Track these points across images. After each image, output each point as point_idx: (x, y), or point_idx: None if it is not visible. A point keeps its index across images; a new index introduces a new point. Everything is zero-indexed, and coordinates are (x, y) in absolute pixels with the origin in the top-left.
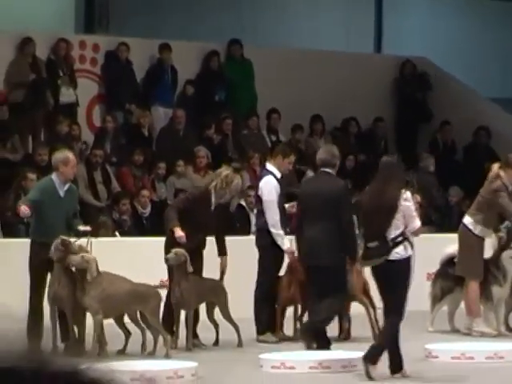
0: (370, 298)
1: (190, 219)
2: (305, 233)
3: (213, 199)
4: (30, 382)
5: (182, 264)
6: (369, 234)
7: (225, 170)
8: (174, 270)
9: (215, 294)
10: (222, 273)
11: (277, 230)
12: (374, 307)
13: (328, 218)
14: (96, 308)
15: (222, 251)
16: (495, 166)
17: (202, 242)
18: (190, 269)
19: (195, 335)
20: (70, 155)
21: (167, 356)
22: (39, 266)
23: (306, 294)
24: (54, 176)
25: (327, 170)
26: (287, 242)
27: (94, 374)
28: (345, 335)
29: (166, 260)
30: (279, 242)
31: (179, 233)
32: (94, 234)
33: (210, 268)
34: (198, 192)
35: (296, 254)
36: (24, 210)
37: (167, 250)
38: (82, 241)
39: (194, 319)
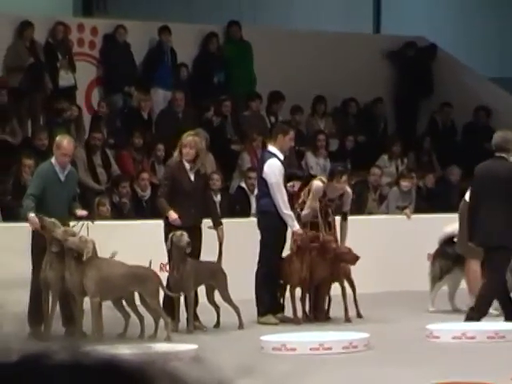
0: (351, 281)
1: (176, 198)
2: (481, 215)
3: (187, 167)
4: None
5: (182, 246)
6: None
7: (183, 137)
8: (173, 252)
9: (214, 276)
10: (220, 246)
11: (287, 211)
12: (354, 289)
13: (505, 201)
14: (93, 290)
15: (215, 221)
16: None
17: (198, 219)
18: (189, 249)
19: (196, 317)
20: (64, 140)
21: (168, 339)
22: (41, 251)
23: (314, 277)
24: (53, 160)
25: (502, 154)
26: (297, 224)
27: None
28: (324, 316)
29: (179, 241)
30: (289, 224)
31: (173, 216)
32: (92, 217)
33: (209, 251)
34: (170, 168)
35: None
36: (34, 222)
37: (167, 236)
38: (79, 224)
39: (193, 302)
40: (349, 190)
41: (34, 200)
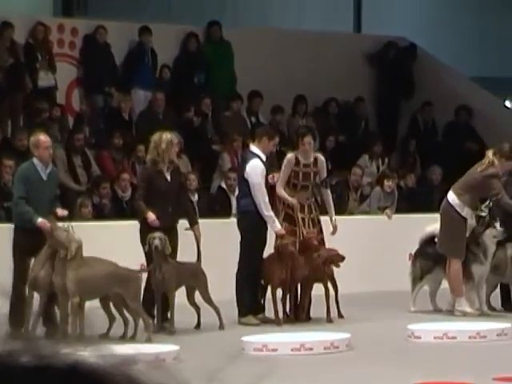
0: (334, 281)
1: (152, 198)
2: None
3: (163, 169)
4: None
5: (162, 248)
6: None
7: (153, 137)
8: (154, 253)
9: (195, 277)
10: (198, 246)
11: (268, 212)
12: (336, 290)
13: None
14: (73, 290)
15: (192, 221)
16: (490, 152)
17: (175, 220)
18: (168, 250)
19: (166, 318)
20: (42, 137)
21: (149, 340)
22: (23, 252)
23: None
24: (35, 160)
25: None
26: (278, 224)
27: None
28: (306, 316)
29: (156, 247)
30: (271, 225)
31: (151, 217)
32: (72, 218)
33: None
34: (146, 169)
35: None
36: (46, 226)
37: (143, 237)
38: (61, 225)
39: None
40: (321, 157)
41: (26, 202)
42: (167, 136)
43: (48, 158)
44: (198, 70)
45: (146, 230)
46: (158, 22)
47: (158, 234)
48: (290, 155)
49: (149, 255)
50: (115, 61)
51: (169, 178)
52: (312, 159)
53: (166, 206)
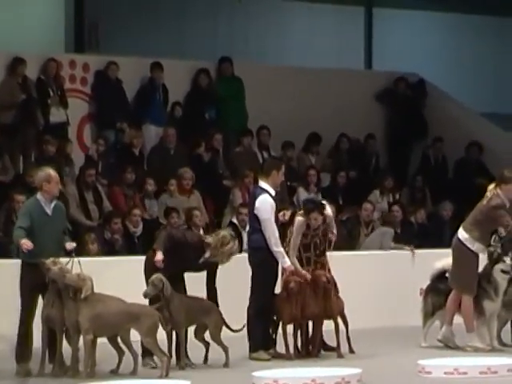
0: (344, 317)
1: (175, 255)
2: None
3: (206, 255)
4: None
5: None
6: None
7: (224, 231)
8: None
9: (207, 315)
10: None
11: (278, 248)
12: (347, 325)
13: None
14: (86, 327)
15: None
16: (491, 186)
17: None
18: (168, 292)
19: (185, 354)
20: (51, 172)
21: (165, 376)
22: (30, 288)
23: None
24: (38, 195)
25: None
26: (288, 260)
27: None
28: (317, 352)
29: (145, 295)
30: (280, 260)
31: (159, 256)
32: (83, 252)
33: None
34: (196, 239)
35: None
36: (27, 245)
37: (148, 269)
38: (70, 260)
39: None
40: (330, 213)
41: (24, 231)
42: (232, 243)
43: (57, 192)
44: (209, 105)
45: (150, 263)
46: (170, 57)
47: (154, 277)
48: (300, 219)
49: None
50: (127, 96)
51: (200, 262)
52: (320, 223)
53: (177, 269)
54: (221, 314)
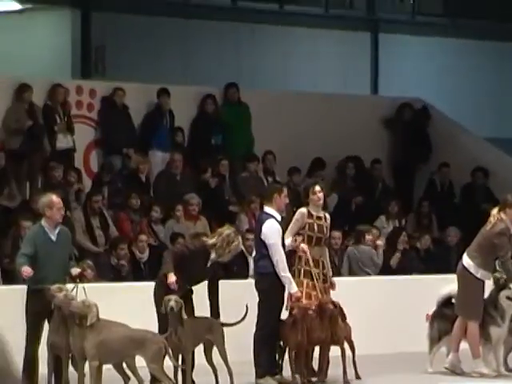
0: (351, 342)
1: (184, 269)
2: None
3: (212, 256)
4: None
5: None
6: None
7: (227, 230)
8: (170, 315)
9: (211, 331)
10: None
11: (285, 273)
12: (353, 351)
13: None
14: (92, 353)
15: (214, 314)
16: (494, 210)
17: (191, 290)
18: (185, 315)
19: (192, 382)
20: (54, 197)
21: None
22: (35, 314)
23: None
24: (43, 222)
25: None
26: (295, 286)
27: None
28: (323, 378)
29: (171, 309)
30: (287, 286)
31: (172, 279)
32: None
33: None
34: (199, 245)
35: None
36: (26, 272)
37: (158, 295)
38: (75, 287)
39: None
40: (328, 215)
41: (27, 258)
42: (237, 240)
43: (60, 218)
44: (215, 131)
45: (161, 287)
46: (176, 83)
47: (173, 297)
48: (302, 209)
49: (162, 317)
50: (133, 122)
51: (208, 265)
52: (322, 214)
53: (190, 284)
54: (222, 327)
